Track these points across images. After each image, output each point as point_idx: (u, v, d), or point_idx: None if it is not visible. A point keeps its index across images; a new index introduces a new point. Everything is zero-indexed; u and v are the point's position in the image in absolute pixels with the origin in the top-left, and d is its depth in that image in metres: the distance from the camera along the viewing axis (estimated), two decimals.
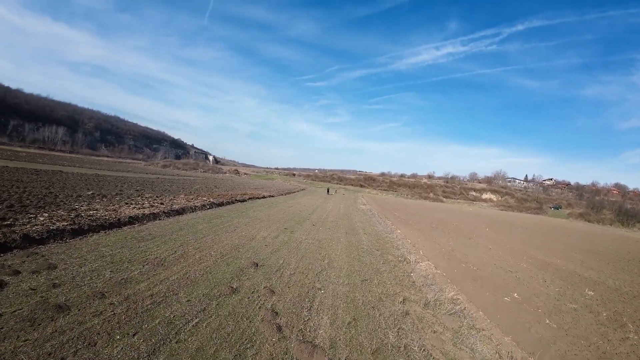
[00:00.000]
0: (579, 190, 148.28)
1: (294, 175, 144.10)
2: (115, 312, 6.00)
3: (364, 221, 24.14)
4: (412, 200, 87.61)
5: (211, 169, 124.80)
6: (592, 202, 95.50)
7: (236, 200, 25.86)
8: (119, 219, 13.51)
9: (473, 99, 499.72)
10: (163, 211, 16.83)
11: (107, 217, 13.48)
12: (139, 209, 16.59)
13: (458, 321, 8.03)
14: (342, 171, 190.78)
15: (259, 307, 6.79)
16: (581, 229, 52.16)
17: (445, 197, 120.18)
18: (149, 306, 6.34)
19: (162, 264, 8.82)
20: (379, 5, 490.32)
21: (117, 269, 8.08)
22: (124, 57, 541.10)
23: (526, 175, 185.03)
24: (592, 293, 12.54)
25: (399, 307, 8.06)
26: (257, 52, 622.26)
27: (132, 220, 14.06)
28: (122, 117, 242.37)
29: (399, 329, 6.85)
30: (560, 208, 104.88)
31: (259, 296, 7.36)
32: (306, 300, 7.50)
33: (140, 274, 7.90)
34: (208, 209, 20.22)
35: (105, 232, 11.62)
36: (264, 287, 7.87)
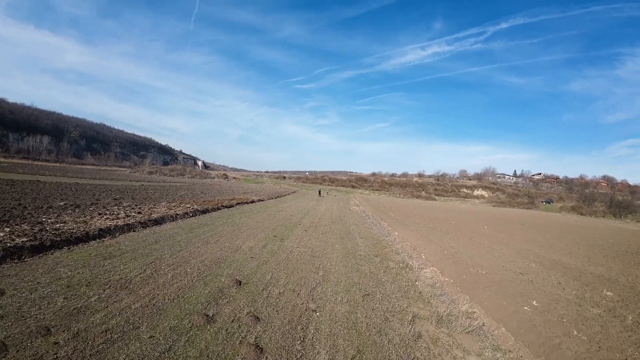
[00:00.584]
0: (568, 183, 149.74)
1: (284, 178, 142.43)
2: (59, 355, 4.64)
3: (358, 224, 22.88)
4: (405, 200, 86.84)
5: (199, 174, 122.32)
6: (583, 195, 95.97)
7: (223, 206, 24.36)
8: (87, 232, 12.08)
9: (461, 98, 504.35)
10: (139, 221, 15.37)
11: (75, 231, 12.02)
12: (113, 219, 15.11)
13: (479, 341, 6.81)
14: (333, 173, 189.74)
15: (240, 342, 5.43)
16: (576, 223, 51.74)
17: (437, 195, 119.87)
18: (101, 346, 4.97)
19: (126, 287, 7.42)
20: (365, 6, 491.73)
21: (72, 294, 6.72)
22: (109, 63, 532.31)
23: (515, 171, 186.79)
24: (611, 294, 11.47)
25: (409, 328, 6.79)
26: (245, 55, 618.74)
27: (103, 233, 12.61)
28: (108, 124, 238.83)
29: (413, 359, 5.58)
30: (552, 202, 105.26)
31: (240, 326, 5.99)
32: (298, 327, 6.16)
33: (98, 301, 6.52)
34: (191, 216, 18.74)
35: (69, 249, 10.22)
36: (247, 313, 6.49)
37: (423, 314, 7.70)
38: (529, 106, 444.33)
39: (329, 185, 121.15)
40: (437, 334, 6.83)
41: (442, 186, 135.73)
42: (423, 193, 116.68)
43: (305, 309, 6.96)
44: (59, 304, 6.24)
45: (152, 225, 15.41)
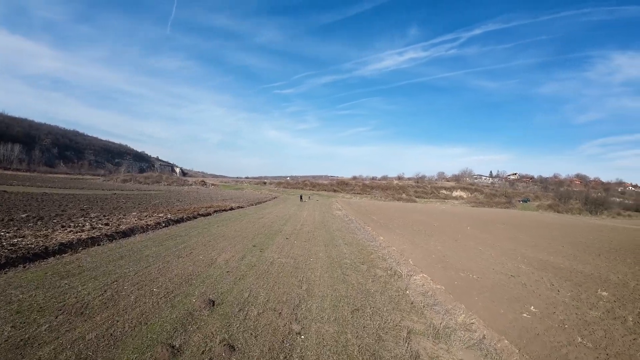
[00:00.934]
0: (543, 182, 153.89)
1: (265, 183, 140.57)
2: None
3: (342, 229, 22.12)
4: (386, 202, 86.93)
5: (176, 182, 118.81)
6: (559, 193, 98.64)
7: (199, 214, 23.10)
8: (46, 248, 10.88)
9: (437, 102, 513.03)
10: (106, 234, 14.14)
11: (33, 246, 10.81)
12: (77, 232, 13.84)
13: (481, 357, 6.16)
14: (314, 177, 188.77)
15: None
16: (555, 221, 52.71)
17: (418, 197, 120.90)
18: None
19: (82, 313, 6.40)
20: (342, 12, 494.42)
21: (21, 322, 5.75)
22: (84, 69, 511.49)
23: (491, 172, 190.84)
24: (606, 293, 11.12)
25: (405, 347, 6.05)
26: (223, 60, 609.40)
27: (64, 248, 11.41)
28: (82, 131, 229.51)
29: None
30: (529, 201, 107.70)
31: (211, 358, 5.08)
32: (281, 356, 5.28)
33: (49, 330, 5.54)
34: (163, 227, 17.53)
35: (24, 267, 9.11)
36: (221, 341, 5.56)
37: (418, 329, 6.98)
38: (503, 109, 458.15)
39: (310, 189, 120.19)
40: (436, 351, 6.13)
41: (422, 188, 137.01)
42: (404, 195, 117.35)
43: (288, 332, 6.09)
44: (5, 333, 5.32)
45: (119, 238, 14.21)
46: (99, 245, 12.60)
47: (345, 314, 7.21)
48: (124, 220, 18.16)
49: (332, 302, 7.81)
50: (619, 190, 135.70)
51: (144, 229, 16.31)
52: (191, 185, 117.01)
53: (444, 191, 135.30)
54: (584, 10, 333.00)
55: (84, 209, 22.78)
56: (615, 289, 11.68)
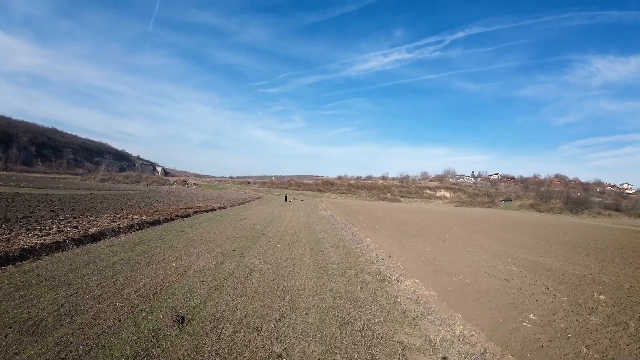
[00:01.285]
0: (524, 182, 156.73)
1: (249, 183, 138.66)
2: None
3: (328, 230, 21.36)
4: (372, 202, 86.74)
5: (156, 181, 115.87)
6: (540, 193, 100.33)
7: (177, 216, 21.96)
8: (6, 254, 9.90)
9: (420, 103, 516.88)
10: (73, 238, 13.07)
11: None
12: (42, 236, 12.76)
13: None
14: (299, 177, 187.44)
15: None
16: (538, 220, 53.26)
17: (402, 196, 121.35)
18: None
19: (33, 331, 5.53)
20: (328, 12, 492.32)
21: None
22: (64, 65, 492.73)
23: (473, 172, 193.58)
24: (603, 297, 10.70)
25: None
26: (208, 58, 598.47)
27: (25, 254, 10.41)
28: (60, 129, 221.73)
29: None
30: (511, 200, 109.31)
31: None
32: None
33: None
34: (137, 230, 16.44)
35: None
36: None
37: (413, 343, 6.29)
38: (484, 110, 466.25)
39: (295, 189, 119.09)
40: None
41: (406, 188, 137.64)
42: (389, 195, 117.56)
43: (268, 355, 5.26)
44: None
45: (87, 242, 13.16)
46: (64, 250, 11.57)
47: (333, 329, 6.44)
48: (95, 222, 17.00)
49: (318, 316, 7.02)
50: (598, 190, 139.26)
51: (116, 232, 15.23)
52: (172, 185, 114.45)
53: (428, 191, 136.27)
54: (565, 15, 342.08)
55: (54, 210, 21.45)
56: (611, 292, 11.30)
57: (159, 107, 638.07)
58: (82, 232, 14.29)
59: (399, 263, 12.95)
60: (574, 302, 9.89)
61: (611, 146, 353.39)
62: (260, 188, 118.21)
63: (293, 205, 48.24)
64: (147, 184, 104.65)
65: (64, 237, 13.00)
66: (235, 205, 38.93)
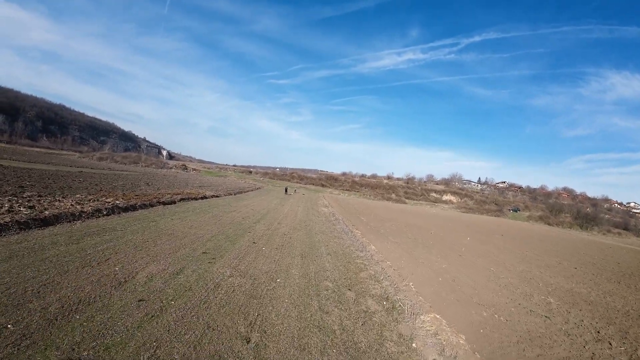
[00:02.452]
0: (531, 193, 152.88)
1: (250, 172, 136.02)
2: None
3: (326, 231, 18.71)
4: (375, 202, 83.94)
5: (155, 164, 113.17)
6: (550, 205, 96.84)
7: (160, 202, 19.41)
8: None
9: (430, 105, 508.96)
10: (18, 221, 10.73)
11: None
12: None
13: None
14: (303, 170, 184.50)
15: None
16: (550, 234, 50.40)
17: (408, 198, 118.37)
18: None
19: None
20: (344, 7, 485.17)
21: None
22: (76, 43, 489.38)
23: (479, 178, 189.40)
24: None
25: None
26: (219, 45, 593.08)
27: None
28: (68, 106, 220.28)
29: None
30: (519, 210, 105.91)
31: None
32: None
33: None
34: (104, 215, 13.99)
35: None
36: None
37: None
38: (494, 117, 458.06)
39: (297, 182, 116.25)
40: None
41: (412, 189, 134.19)
42: (393, 195, 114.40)
43: None
44: None
45: (34, 227, 10.82)
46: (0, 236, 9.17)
47: None
48: (57, 204, 14.54)
49: None
50: (605, 207, 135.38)
51: (75, 217, 12.80)
52: (171, 168, 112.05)
53: (434, 194, 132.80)
54: (583, 27, 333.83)
55: (23, 186, 19.14)
56: None
57: (168, 91, 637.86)
58: (34, 214, 11.89)
59: (410, 284, 10.35)
60: (632, 354, 7.35)
61: (619, 163, 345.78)
62: (261, 178, 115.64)
63: (293, 199, 45.58)
64: (145, 166, 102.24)
65: (7, 219, 10.62)
66: (230, 195, 36.35)
